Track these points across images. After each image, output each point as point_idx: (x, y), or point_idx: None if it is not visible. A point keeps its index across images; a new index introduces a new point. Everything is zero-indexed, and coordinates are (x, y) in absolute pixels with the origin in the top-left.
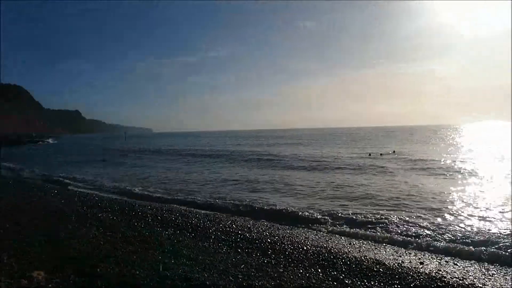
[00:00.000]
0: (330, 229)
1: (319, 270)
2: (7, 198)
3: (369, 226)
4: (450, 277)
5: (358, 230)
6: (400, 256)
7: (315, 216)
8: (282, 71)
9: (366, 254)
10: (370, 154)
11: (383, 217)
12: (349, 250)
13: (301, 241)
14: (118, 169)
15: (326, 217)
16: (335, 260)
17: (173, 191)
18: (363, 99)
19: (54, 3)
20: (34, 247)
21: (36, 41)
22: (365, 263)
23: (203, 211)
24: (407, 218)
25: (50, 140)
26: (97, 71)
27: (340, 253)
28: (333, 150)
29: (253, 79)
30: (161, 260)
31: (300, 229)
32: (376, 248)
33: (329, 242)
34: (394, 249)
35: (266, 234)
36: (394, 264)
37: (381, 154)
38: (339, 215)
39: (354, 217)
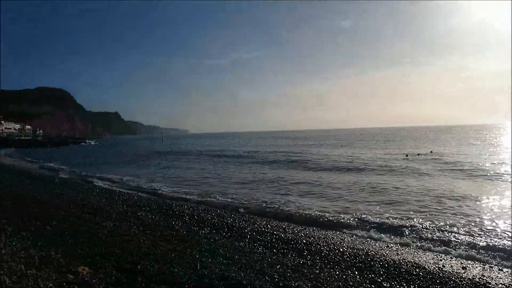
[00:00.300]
0: (365, 232)
1: (356, 273)
2: (52, 197)
3: (406, 230)
4: (495, 283)
5: (394, 234)
6: (441, 261)
7: (351, 219)
8: (309, 70)
9: (404, 257)
10: (407, 155)
11: (421, 221)
12: (387, 253)
13: (336, 242)
14: (156, 170)
15: (362, 221)
16: (372, 263)
17: (208, 192)
18: (389, 99)
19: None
20: (79, 243)
21: (79, 47)
22: (404, 266)
23: (238, 211)
24: (446, 223)
25: (92, 142)
26: (132, 75)
27: (377, 256)
28: (370, 151)
29: (283, 80)
30: (199, 258)
31: (335, 231)
32: (414, 252)
33: (365, 244)
34: (433, 254)
35: (301, 235)
36: (434, 268)
37: (418, 155)
38: (375, 219)
39: (390, 221)
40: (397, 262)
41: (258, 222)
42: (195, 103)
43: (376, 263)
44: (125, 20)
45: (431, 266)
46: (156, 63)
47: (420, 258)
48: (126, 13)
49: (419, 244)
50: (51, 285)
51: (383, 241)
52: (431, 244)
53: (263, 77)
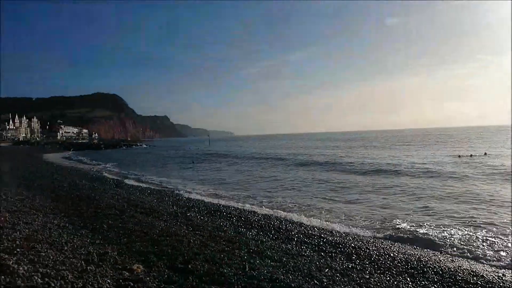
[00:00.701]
0: (415, 237)
1: (408, 279)
2: (108, 197)
3: (463, 237)
4: None
5: (448, 241)
6: (500, 269)
7: (401, 224)
8: (360, 70)
9: (460, 265)
10: (459, 156)
11: (482, 230)
12: (440, 259)
13: (386, 247)
14: (204, 172)
15: (412, 226)
16: (425, 269)
17: (258, 196)
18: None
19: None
20: (133, 242)
21: (129, 55)
22: (459, 274)
23: (283, 214)
24: (504, 232)
25: (144, 145)
26: (181, 79)
27: (431, 262)
28: (422, 152)
29: (331, 80)
30: (247, 260)
31: (384, 235)
32: (470, 260)
33: (417, 250)
34: (490, 263)
35: (349, 238)
36: (494, 277)
37: (471, 155)
38: (428, 224)
39: (443, 228)
40: (452, 270)
41: (304, 224)
42: (239, 105)
43: (430, 270)
44: (176, 24)
45: (490, 275)
46: (203, 65)
47: (477, 267)
48: (180, 16)
49: (476, 253)
50: (108, 281)
51: (436, 248)
52: (491, 253)
53: (307, 79)
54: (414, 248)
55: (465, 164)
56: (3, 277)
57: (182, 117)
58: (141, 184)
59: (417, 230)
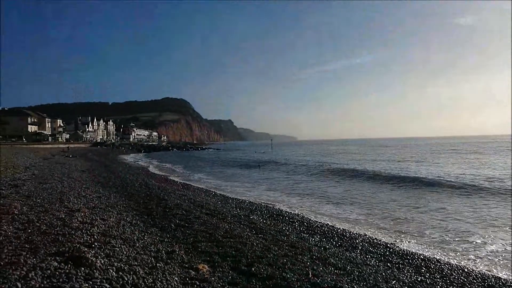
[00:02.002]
0: (494, 254)
1: None
2: (176, 198)
3: None
4: None
5: None
6: None
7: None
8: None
9: None
10: None
11: None
12: None
13: (459, 262)
14: (272, 178)
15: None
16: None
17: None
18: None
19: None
20: (199, 242)
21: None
22: None
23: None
24: None
25: (211, 147)
26: (240, 83)
27: (511, 281)
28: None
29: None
30: (310, 266)
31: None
32: None
33: (493, 267)
34: None
35: (417, 249)
36: None
37: None
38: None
39: None
40: None
41: (368, 233)
42: (303, 109)
43: None
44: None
45: None
46: (262, 71)
47: None
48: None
49: None
50: (176, 279)
51: None
52: None
53: (377, 82)
54: (489, 265)
55: None
56: (82, 268)
57: (245, 120)
58: (205, 186)
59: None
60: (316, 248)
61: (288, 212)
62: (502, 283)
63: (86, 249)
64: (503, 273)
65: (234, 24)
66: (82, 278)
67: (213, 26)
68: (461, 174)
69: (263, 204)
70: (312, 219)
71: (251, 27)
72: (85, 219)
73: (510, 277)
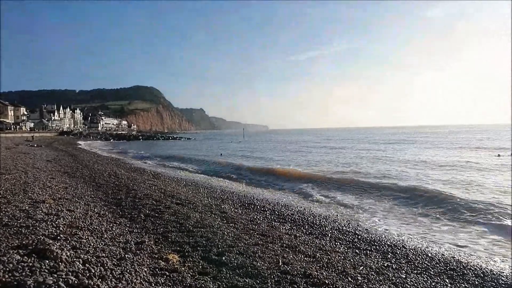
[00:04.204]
0: (454, 238)
1: (447, 281)
2: (146, 187)
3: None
4: None
5: (492, 243)
6: None
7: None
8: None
9: (504, 267)
10: (499, 155)
11: None
12: (480, 262)
13: (424, 247)
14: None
15: (455, 224)
16: (465, 271)
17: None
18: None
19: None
20: (169, 232)
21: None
22: (502, 278)
23: (318, 209)
24: None
25: (182, 136)
26: (214, 74)
27: (471, 264)
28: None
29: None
30: (281, 254)
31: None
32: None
33: (455, 251)
34: None
35: (384, 236)
36: None
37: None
38: (467, 223)
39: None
40: (495, 273)
41: (338, 220)
42: (274, 99)
43: (470, 272)
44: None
45: None
46: (235, 61)
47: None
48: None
49: None
50: (145, 269)
51: (475, 249)
52: None
53: (346, 72)
54: (453, 249)
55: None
56: (47, 261)
57: (217, 109)
58: (177, 175)
59: (456, 228)
60: (287, 236)
61: (259, 200)
62: (463, 266)
63: (51, 241)
64: (464, 257)
65: (206, 11)
66: (46, 271)
67: (186, 13)
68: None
69: (234, 192)
70: (283, 208)
71: (224, 15)
72: (50, 211)
73: (471, 260)
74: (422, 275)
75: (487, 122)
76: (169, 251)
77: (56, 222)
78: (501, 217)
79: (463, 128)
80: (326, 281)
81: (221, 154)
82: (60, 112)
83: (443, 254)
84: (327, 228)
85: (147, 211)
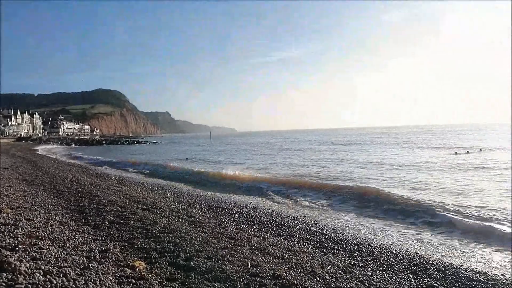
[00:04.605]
0: (417, 233)
1: (410, 276)
2: (110, 193)
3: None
4: None
5: (452, 236)
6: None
7: (407, 218)
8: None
9: (464, 261)
10: (456, 153)
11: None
12: (443, 255)
13: (389, 244)
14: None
15: (416, 219)
16: (427, 266)
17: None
18: None
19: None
20: (135, 238)
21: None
22: (462, 271)
23: (290, 212)
24: None
25: (147, 140)
26: (179, 76)
27: (433, 259)
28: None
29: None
30: (249, 257)
31: (386, 232)
32: (473, 255)
33: (421, 247)
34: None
35: (350, 235)
36: (497, 274)
37: (467, 152)
38: (431, 218)
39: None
40: (455, 266)
41: (306, 221)
42: (241, 102)
43: (432, 267)
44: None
45: (494, 271)
46: (196, 62)
47: (486, 264)
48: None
49: (477, 246)
50: (111, 278)
51: (438, 244)
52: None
53: (308, 75)
54: (412, 246)
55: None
56: (4, 274)
57: (183, 113)
58: (142, 181)
59: (418, 223)
60: (255, 238)
61: (227, 203)
62: (426, 261)
63: (8, 252)
64: (426, 252)
65: (170, 13)
66: (4, 284)
67: (149, 13)
68: None
69: (202, 196)
70: (251, 211)
71: (189, 15)
72: (7, 220)
73: (433, 255)
74: (386, 269)
75: (488, 121)
76: (136, 258)
77: (14, 233)
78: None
79: (447, 128)
80: (295, 282)
81: (186, 158)
82: (17, 117)
83: (406, 250)
84: (295, 229)
85: (112, 218)
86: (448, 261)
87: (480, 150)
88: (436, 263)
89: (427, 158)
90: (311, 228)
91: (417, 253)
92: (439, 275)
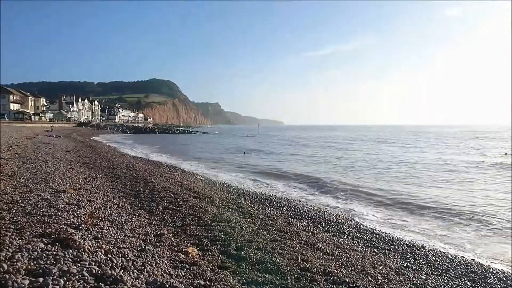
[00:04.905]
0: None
1: (468, 283)
2: (163, 180)
3: None
4: None
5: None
6: None
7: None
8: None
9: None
10: (506, 154)
11: None
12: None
13: (443, 248)
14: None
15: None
16: (487, 274)
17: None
18: None
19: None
20: (187, 225)
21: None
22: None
23: (334, 205)
24: None
25: (198, 130)
26: (231, 70)
27: (493, 267)
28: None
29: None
30: (299, 251)
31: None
32: None
33: (481, 254)
34: None
35: (402, 236)
36: None
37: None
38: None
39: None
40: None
41: (355, 219)
42: (290, 96)
43: (492, 276)
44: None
45: None
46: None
47: None
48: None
49: None
50: (166, 262)
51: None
52: None
53: (366, 68)
54: (478, 254)
55: None
56: (70, 250)
57: (233, 104)
58: (192, 169)
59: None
60: (304, 233)
61: (275, 196)
62: (485, 269)
63: (73, 231)
64: (485, 259)
65: (226, 11)
66: (70, 260)
67: (206, 8)
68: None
69: (249, 188)
70: (298, 203)
71: (241, 12)
72: (71, 201)
73: (491, 263)
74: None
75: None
76: (188, 244)
77: (78, 212)
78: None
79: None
80: (347, 280)
81: (244, 152)
82: (78, 104)
83: (463, 256)
84: (344, 226)
85: (166, 204)
86: (509, 271)
87: None
88: (497, 271)
89: None
90: (361, 226)
91: (474, 259)
92: (500, 285)
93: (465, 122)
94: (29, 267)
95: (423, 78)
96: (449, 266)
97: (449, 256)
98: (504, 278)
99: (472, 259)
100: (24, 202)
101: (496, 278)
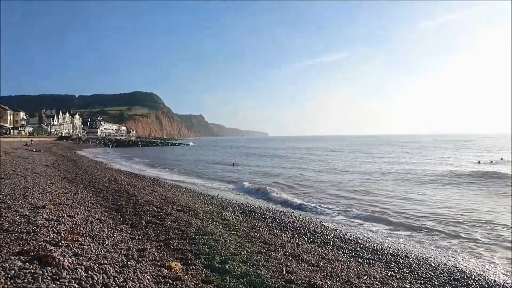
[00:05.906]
0: (460, 247)
1: None
2: (146, 194)
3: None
4: None
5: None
6: None
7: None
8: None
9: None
10: (479, 162)
11: None
12: (485, 271)
13: (427, 256)
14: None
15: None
16: (469, 282)
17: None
18: None
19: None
20: (171, 239)
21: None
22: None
23: (320, 217)
24: None
25: (181, 142)
26: (215, 80)
27: (475, 274)
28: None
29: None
30: (284, 263)
31: (424, 244)
32: None
33: (458, 260)
34: None
35: (386, 246)
36: None
37: (491, 162)
38: (471, 233)
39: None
40: (499, 285)
41: (340, 229)
42: (274, 107)
43: (474, 283)
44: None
45: None
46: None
47: None
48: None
49: None
50: (148, 277)
51: (482, 258)
52: None
53: (347, 80)
54: (456, 259)
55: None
56: (49, 268)
57: (217, 116)
58: (175, 182)
59: (461, 238)
60: (289, 244)
61: (260, 208)
62: (467, 276)
63: (52, 247)
64: (469, 266)
65: (208, 18)
66: (49, 278)
67: (187, 16)
68: None
69: (234, 200)
70: (283, 215)
71: (226, 21)
72: (50, 216)
73: (475, 269)
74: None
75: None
76: (172, 259)
77: (57, 228)
78: None
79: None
80: None
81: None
82: (59, 117)
83: (446, 263)
84: (329, 237)
85: (148, 218)
86: (492, 279)
87: None
88: (479, 279)
89: None
90: (345, 236)
91: (457, 267)
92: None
93: (463, 131)
94: (6, 286)
95: (421, 85)
96: (432, 274)
97: (432, 264)
98: (486, 285)
99: (454, 267)
100: (1, 219)
101: (478, 285)
